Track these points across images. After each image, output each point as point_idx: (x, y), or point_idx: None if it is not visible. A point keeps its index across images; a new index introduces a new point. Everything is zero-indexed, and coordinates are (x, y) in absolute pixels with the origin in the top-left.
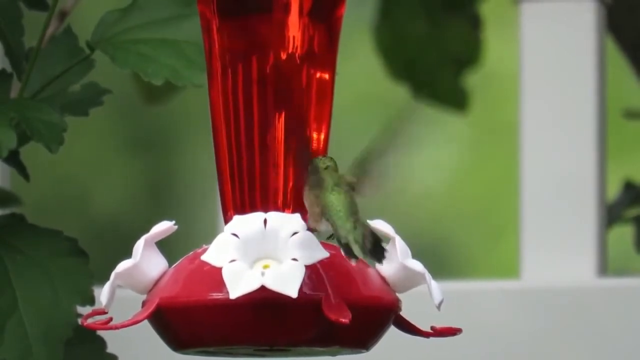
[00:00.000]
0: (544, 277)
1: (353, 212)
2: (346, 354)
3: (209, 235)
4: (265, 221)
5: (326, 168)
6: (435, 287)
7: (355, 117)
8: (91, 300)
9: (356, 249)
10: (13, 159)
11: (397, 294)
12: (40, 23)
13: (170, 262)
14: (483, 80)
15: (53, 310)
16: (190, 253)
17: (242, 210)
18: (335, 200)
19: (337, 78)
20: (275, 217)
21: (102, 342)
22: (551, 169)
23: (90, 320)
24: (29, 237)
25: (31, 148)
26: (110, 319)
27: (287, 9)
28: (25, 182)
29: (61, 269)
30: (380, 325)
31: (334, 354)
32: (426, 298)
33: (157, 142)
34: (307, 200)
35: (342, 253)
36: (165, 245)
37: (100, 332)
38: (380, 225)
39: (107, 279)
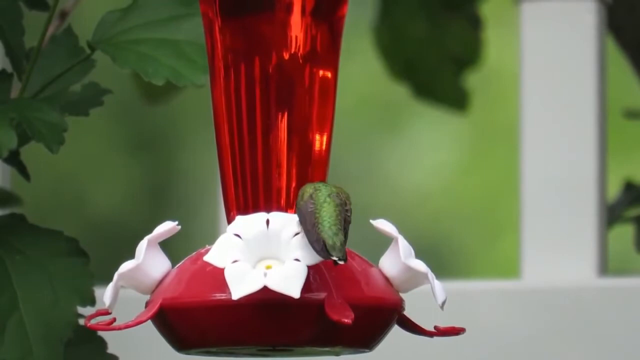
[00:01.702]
0: (544, 277)
1: (337, 222)
2: (349, 354)
3: (209, 236)
4: (267, 222)
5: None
6: (439, 287)
7: (355, 118)
8: (91, 301)
9: (330, 247)
10: (13, 159)
11: (401, 294)
12: (40, 23)
13: (171, 263)
14: (483, 80)
15: (53, 310)
16: (194, 253)
17: (245, 210)
18: (325, 212)
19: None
20: (277, 218)
21: (102, 343)
22: (551, 168)
23: (93, 321)
24: (29, 237)
25: (30, 148)
26: (114, 320)
27: (289, 8)
28: (25, 182)
29: (61, 269)
30: (383, 325)
31: (337, 354)
32: (427, 297)
33: (157, 142)
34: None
35: (316, 249)
36: (164, 246)
37: (101, 333)
38: (383, 224)
39: (106, 279)
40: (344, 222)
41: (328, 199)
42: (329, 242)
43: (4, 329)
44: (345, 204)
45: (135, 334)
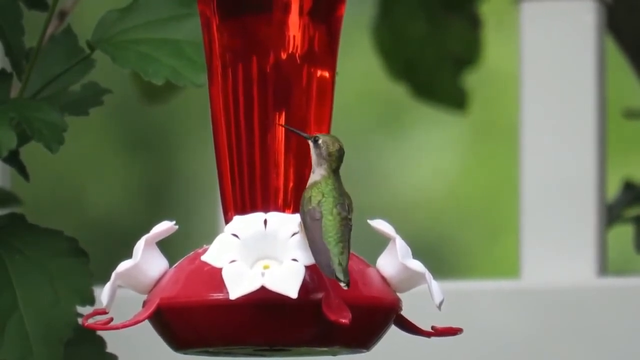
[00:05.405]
0: (544, 277)
1: (344, 239)
2: (346, 353)
3: (208, 235)
4: (265, 221)
5: (330, 191)
6: (436, 287)
7: (355, 118)
8: (91, 300)
9: (337, 269)
10: (13, 159)
11: (398, 294)
12: (40, 23)
13: (168, 263)
14: (483, 81)
15: (53, 310)
16: (191, 253)
17: (243, 210)
18: (330, 225)
19: (336, 77)
20: (275, 218)
21: (102, 342)
22: (551, 168)
23: (91, 321)
24: (29, 237)
25: (28, 147)
26: (111, 319)
27: (287, 8)
28: (25, 182)
29: (61, 269)
30: (380, 325)
31: (334, 354)
32: (426, 297)
33: (155, 141)
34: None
35: (320, 268)
36: (163, 245)
37: (100, 332)
38: (381, 225)
39: (105, 278)
40: (348, 234)
41: (334, 211)
42: (335, 260)
43: (4, 329)
44: (348, 212)
45: (135, 333)
